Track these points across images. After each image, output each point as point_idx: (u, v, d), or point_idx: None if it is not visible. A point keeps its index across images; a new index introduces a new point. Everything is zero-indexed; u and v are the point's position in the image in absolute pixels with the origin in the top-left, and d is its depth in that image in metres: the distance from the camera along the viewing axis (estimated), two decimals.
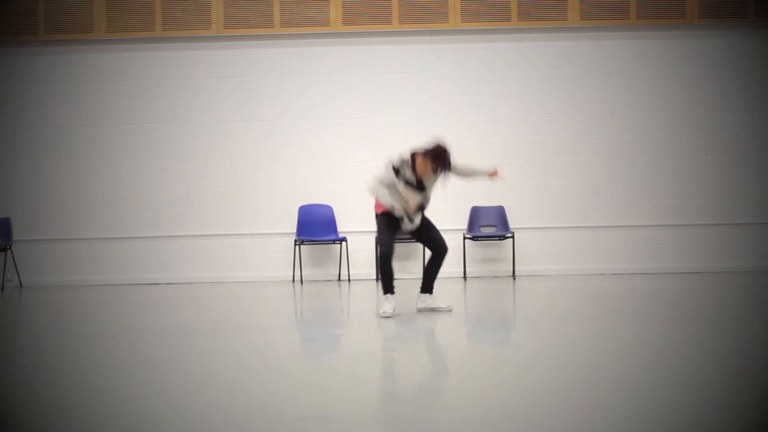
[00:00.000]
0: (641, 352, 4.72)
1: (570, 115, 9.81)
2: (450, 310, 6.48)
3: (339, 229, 9.69)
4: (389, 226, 6.33)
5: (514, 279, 9.41)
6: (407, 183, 6.22)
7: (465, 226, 9.70)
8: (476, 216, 9.76)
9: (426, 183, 6.32)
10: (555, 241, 9.77)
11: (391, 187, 6.22)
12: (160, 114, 9.85)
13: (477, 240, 9.62)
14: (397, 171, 6.23)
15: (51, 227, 9.77)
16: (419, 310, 6.50)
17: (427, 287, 6.52)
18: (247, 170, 9.86)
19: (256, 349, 5.11)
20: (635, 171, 9.79)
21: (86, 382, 4.19)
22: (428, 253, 6.67)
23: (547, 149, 9.81)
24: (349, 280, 9.61)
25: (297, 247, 9.62)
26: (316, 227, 9.66)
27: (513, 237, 9.51)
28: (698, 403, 3.45)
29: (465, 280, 9.39)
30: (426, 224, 6.46)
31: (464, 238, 9.53)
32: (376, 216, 6.42)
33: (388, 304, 6.32)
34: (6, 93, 9.85)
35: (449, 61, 9.84)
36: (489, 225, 9.74)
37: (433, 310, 6.47)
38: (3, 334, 6.37)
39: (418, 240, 6.64)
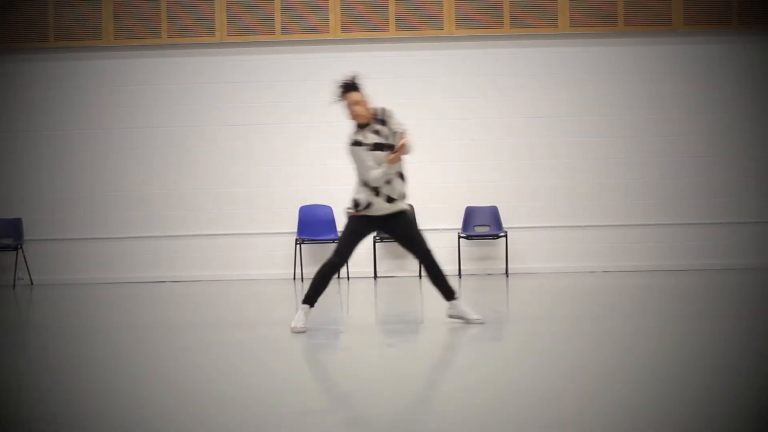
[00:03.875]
0: (635, 347, 4.73)
1: (560, 118, 10.11)
2: (482, 323, 5.60)
3: (338, 229, 9.93)
4: (356, 232, 5.57)
5: (507, 276, 9.73)
6: (374, 146, 5.44)
7: (460, 225, 10.01)
8: (470, 216, 10.07)
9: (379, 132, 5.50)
10: (546, 239, 10.07)
11: (372, 165, 5.40)
12: (166, 117, 10.12)
13: (471, 239, 9.94)
14: (357, 143, 5.49)
15: (60, 227, 10.06)
16: (450, 317, 5.73)
17: (445, 294, 5.67)
18: (249, 172, 10.12)
19: (259, 343, 5.23)
20: (624, 172, 10.08)
21: (91, 375, 4.26)
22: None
23: (538, 151, 10.10)
24: (348, 277, 9.90)
25: (298, 246, 9.90)
26: (316, 227, 9.91)
27: (506, 236, 9.83)
28: (694, 401, 3.41)
29: (460, 277, 9.66)
30: (406, 223, 5.60)
31: (459, 237, 9.84)
32: (348, 218, 5.62)
33: (304, 316, 5.49)
34: (18, 97, 10.13)
35: (444, 66, 10.13)
36: (483, 224, 10.05)
37: (460, 319, 5.67)
38: (13, 330, 6.53)
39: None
